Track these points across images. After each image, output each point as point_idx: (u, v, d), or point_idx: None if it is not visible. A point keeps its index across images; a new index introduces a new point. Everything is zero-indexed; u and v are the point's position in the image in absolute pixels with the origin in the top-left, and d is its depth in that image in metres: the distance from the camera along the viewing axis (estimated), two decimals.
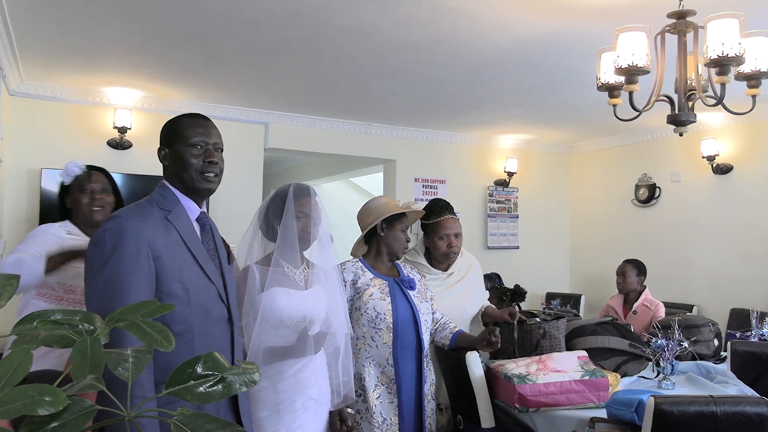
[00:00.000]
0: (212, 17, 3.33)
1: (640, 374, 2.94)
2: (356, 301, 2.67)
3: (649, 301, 4.64)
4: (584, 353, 2.69)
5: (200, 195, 1.85)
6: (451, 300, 3.03)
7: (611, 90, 2.59)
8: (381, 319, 2.62)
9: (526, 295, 3.57)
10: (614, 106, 2.63)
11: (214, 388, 1.00)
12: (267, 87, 4.77)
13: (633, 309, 4.63)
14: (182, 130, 1.82)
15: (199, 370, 1.02)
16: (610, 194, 6.78)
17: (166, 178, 1.84)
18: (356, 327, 2.63)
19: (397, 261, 2.88)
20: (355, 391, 2.58)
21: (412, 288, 2.78)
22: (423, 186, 6.39)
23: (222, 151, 1.86)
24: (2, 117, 4.16)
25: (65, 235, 2.67)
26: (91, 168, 2.78)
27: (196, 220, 1.84)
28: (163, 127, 1.89)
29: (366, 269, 2.76)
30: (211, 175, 1.82)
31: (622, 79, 2.48)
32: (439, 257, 3.07)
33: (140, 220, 1.68)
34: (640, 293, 4.69)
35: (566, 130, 6.45)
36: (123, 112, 4.89)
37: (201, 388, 1.00)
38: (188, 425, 0.94)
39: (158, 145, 1.87)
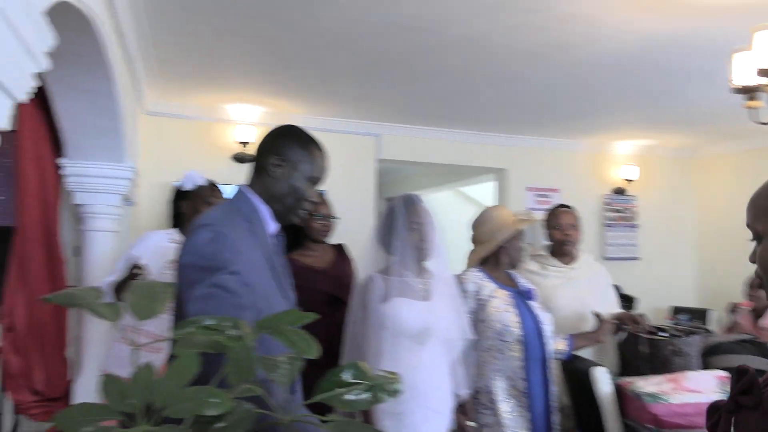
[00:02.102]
0: (329, 35, 3.45)
1: None
2: (480, 312, 2.62)
3: None
4: (724, 373, 2.51)
5: (283, 222, 1.77)
6: (573, 292, 3.04)
7: (749, 92, 2.42)
8: (509, 332, 2.57)
9: (635, 301, 3.46)
10: (751, 109, 2.46)
11: (361, 396, 1.02)
12: (379, 99, 4.86)
13: (759, 324, 4.29)
14: (312, 160, 1.74)
15: (346, 378, 1.06)
16: (740, 201, 6.26)
17: (257, 183, 1.73)
18: (482, 339, 2.58)
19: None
20: (484, 404, 2.55)
21: (532, 298, 2.74)
22: (536, 195, 6.24)
23: None
24: (139, 135, 4.50)
25: (168, 243, 2.80)
26: (211, 182, 2.94)
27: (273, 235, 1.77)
28: (286, 136, 1.76)
29: (487, 279, 2.71)
30: (303, 213, 1.77)
31: (760, 80, 2.31)
32: (555, 246, 3.23)
33: (237, 231, 1.59)
34: None
35: (689, 134, 6.09)
36: (245, 127, 5.15)
37: (349, 396, 1.03)
38: (340, 431, 0.97)
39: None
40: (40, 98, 2.95)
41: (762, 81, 2.31)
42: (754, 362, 2.76)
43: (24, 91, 1.38)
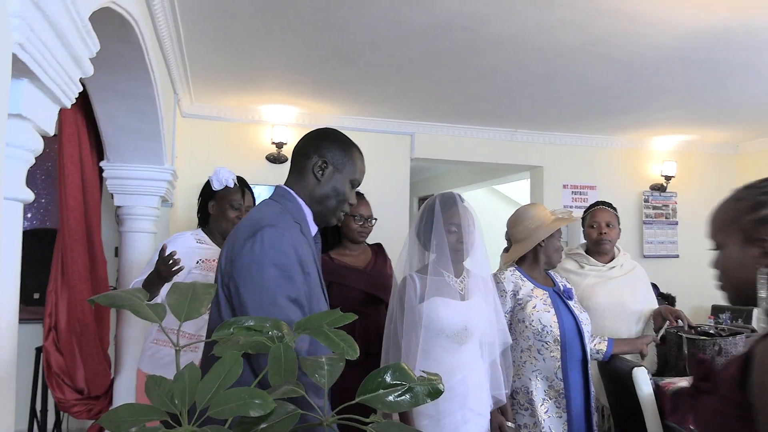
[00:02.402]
0: (363, 36, 3.45)
1: None
2: (518, 312, 2.60)
3: None
4: None
5: (323, 224, 1.78)
6: (611, 291, 2.99)
7: None
8: (547, 332, 2.54)
9: (673, 300, 3.39)
10: None
11: (403, 397, 1.02)
12: (413, 98, 4.85)
13: None
14: (356, 164, 1.76)
15: (388, 379, 1.05)
16: None
17: (298, 184, 1.73)
18: (520, 339, 2.57)
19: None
20: (522, 405, 2.53)
21: (571, 298, 2.70)
22: (572, 193, 6.16)
23: None
24: (177, 136, 4.57)
25: (195, 244, 2.80)
26: (241, 182, 2.92)
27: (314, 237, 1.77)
28: (331, 139, 1.76)
29: (525, 279, 2.68)
30: (342, 215, 1.79)
31: None
32: (591, 245, 3.20)
33: (294, 232, 1.61)
34: None
35: (732, 129, 5.93)
36: (280, 128, 5.19)
37: (390, 398, 1.02)
38: None
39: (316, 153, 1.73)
40: (81, 101, 3.01)
41: None
42: None
43: (70, 96, 1.41)
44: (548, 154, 6.16)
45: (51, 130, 1.39)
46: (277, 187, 1.75)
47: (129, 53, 2.49)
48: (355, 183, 1.77)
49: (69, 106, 1.44)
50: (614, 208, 3.25)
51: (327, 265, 2.82)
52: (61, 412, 3.55)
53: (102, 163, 3.51)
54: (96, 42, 1.50)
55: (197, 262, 2.76)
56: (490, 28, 3.30)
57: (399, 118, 5.54)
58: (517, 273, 2.71)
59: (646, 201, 6.39)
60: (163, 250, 2.47)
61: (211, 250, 2.82)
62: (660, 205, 6.44)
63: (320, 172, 1.71)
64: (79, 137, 3.22)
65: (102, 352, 3.39)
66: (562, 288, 2.72)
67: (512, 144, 6.06)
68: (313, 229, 1.74)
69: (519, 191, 7.84)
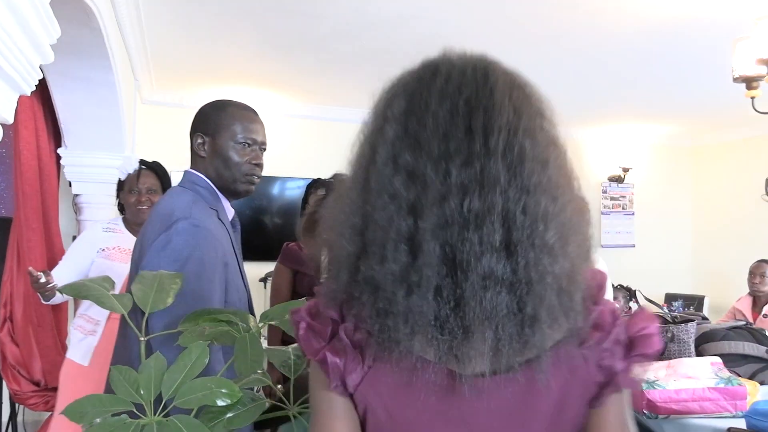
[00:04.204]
0: (329, 25, 3.44)
1: None
2: None
3: None
4: (717, 359, 2.54)
5: (236, 197, 1.67)
6: None
7: (749, 82, 2.44)
8: None
9: (635, 292, 3.45)
10: (752, 98, 2.48)
11: None
12: (379, 87, 4.84)
13: (763, 312, 4.33)
14: (230, 122, 1.62)
15: None
16: (737, 189, 6.35)
17: (199, 169, 1.64)
18: None
19: None
20: None
21: None
22: None
23: (265, 150, 1.69)
24: (138, 124, 4.49)
25: (101, 234, 2.77)
26: (144, 164, 2.84)
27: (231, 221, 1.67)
28: (202, 111, 1.67)
29: None
30: (255, 178, 1.66)
31: (761, 69, 2.32)
32: None
33: (210, 222, 1.50)
34: None
35: (688, 122, 6.11)
36: None
37: None
38: None
39: (198, 133, 1.64)
40: (39, 88, 2.94)
41: (761, 70, 2.32)
42: (749, 348, 2.80)
43: (30, 83, 1.38)
44: None
45: (10, 118, 1.36)
46: (186, 173, 1.65)
47: (88, 39, 2.44)
48: (243, 140, 1.62)
49: (29, 93, 1.41)
50: None
51: (295, 254, 2.82)
52: (17, 404, 3.48)
53: (60, 150, 3.42)
54: (57, 28, 1.46)
55: (99, 251, 2.72)
56: (454, 20, 3.32)
57: (365, 107, 5.51)
58: None
59: (604, 192, 6.55)
60: (30, 272, 2.42)
61: (119, 237, 2.77)
62: (618, 195, 6.60)
63: (202, 148, 1.63)
64: (36, 123, 3.14)
65: (60, 343, 3.33)
66: None
67: None
68: (230, 212, 1.66)
69: None
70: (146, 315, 1.13)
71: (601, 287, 0.82)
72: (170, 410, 0.95)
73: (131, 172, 2.81)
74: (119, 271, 2.48)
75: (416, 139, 0.75)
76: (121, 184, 2.86)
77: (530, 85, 0.83)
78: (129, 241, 2.69)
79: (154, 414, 0.94)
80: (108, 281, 1.19)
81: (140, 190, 2.75)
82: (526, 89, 0.81)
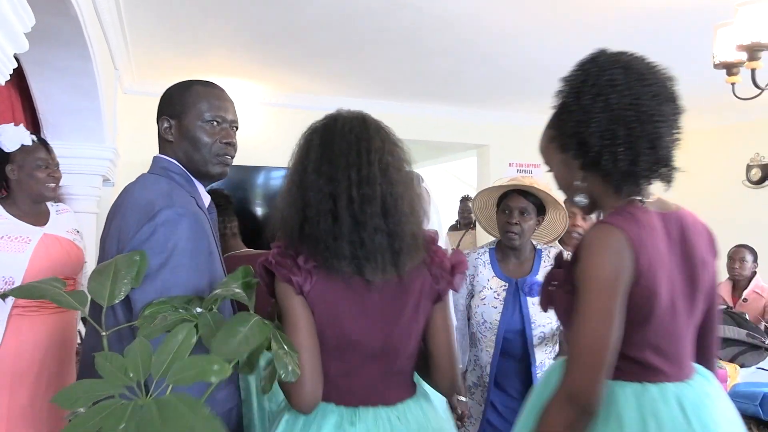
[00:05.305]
0: (312, 14, 3.41)
1: (758, 366, 2.80)
2: (469, 298, 2.50)
3: (761, 287, 4.39)
4: None
5: (210, 180, 1.61)
6: None
7: (730, 68, 2.45)
8: (487, 327, 2.42)
9: None
10: (733, 84, 2.49)
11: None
12: (362, 76, 4.83)
13: (743, 296, 4.40)
14: (195, 100, 1.54)
15: None
16: (717, 175, 6.41)
17: (168, 155, 1.57)
18: (470, 324, 2.49)
19: (539, 248, 2.51)
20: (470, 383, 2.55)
21: (533, 295, 2.39)
22: (518, 170, 6.29)
23: (237, 129, 1.63)
24: (117, 114, 4.43)
25: None
26: (40, 140, 2.51)
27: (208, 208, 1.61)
28: (167, 92, 1.60)
29: (488, 264, 2.48)
30: (229, 158, 1.59)
31: (742, 55, 2.34)
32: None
33: (192, 209, 1.43)
34: (750, 279, 4.45)
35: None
36: None
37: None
38: None
39: (163, 116, 1.58)
40: (16, 78, 2.89)
41: (742, 56, 2.34)
42: (729, 332, 2.84)
43: (4, 73, 1.36)
44: (494, 133, 6.26)
45: None
46: (156, 158, 1.58)
47: (66, 27, 2.40)
48: (211, 118, 1.55)
49: (3, 83, 1.39)
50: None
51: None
52: None
53: None
54: (31, 16, 1.44)
55: None
56: (438, 8, 3.31)
57: (347, 96, 5.51)
58: (486, 256, 2.51)
59: None
60: None
61: (4, 225, 2.35)
62: None
63: (169, 132, 1.56)
64: (14, 114, 3.09)
65: None
66: (528, 281, 2.42)
67: (459, 122, 6.12)
68: (206, 198, 1.60)
69: (468, 170, 7.93)
70: (104, 309, 1.15)
71: (433, 240, 1.45)
72: (160, 393, 0.96)
73: (28, 143, 2.40)
74: (10, 263, 2.25)
75: (329, 158, 1.33)
76: (4, 158, 2.37)
77: (389, 128, 1.42)
78: (16, 228, 2.35)
79: (147, 396, 0.95)
80: (58, 280, 1.22)
81: (50, 164, 2.43)
82: (387, 130, 1.41)
